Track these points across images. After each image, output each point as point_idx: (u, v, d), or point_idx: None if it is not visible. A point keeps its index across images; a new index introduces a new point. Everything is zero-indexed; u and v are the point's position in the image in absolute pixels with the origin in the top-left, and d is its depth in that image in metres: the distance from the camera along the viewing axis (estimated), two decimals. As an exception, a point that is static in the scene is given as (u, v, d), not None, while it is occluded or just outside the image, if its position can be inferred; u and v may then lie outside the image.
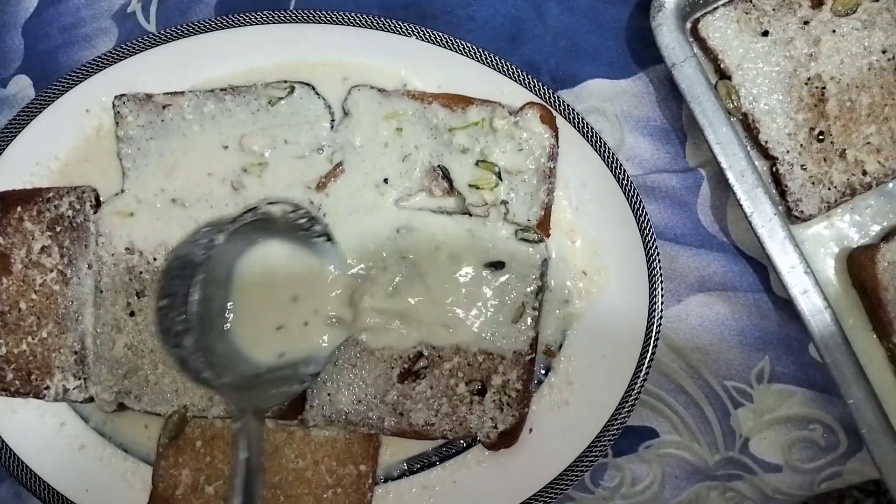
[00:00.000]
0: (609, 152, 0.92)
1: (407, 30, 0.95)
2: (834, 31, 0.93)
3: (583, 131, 0.93)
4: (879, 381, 0.91)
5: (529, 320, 0.91)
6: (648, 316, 0.90)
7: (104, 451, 0.97)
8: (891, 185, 0.94)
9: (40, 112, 0.98)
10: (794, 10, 0.93)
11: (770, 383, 0.96)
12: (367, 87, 0.95)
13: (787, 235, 0.89)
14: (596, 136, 0.92)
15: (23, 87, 1.06)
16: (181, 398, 0.93)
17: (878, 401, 0.88)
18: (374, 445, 0.93)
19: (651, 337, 0.90)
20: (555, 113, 0.92)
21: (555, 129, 0.92)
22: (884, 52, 0.92)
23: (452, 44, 0.94)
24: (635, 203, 0.91)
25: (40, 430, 0.96)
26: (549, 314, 0.94)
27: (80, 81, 0.98)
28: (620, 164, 0.91)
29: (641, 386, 0.90)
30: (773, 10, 0.94)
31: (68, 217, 0.96)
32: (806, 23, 0.93)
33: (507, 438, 0.92)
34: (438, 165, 0.94)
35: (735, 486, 0.97)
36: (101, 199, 0.97)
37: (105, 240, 0.95)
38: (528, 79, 0.93)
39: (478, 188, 0.93)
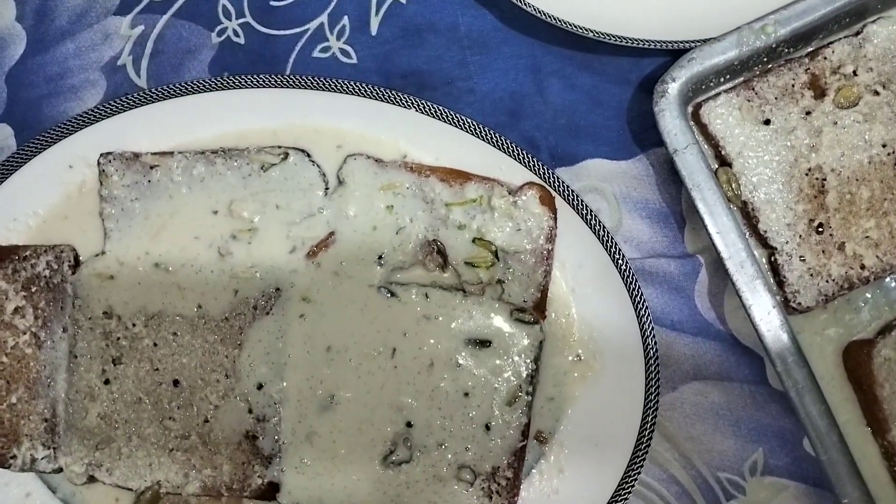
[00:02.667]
0: (607, 235, 0.95)
1: (406, 101, 0.97)
2: (835, 122, 0.97)
3: (581, 213, 0.95)
4: (873, 478, 0.93)
5: (522, 405, 0.92)
6: (644, 404, 0.93)
7: None
8: (888, 279, 0.97)
9: (21, 166, 0.99)
10: (797, 100, 0.97)
11: (763, 476, 0.98)
12: (363, 157, 0.98)
13: (784, 328, 0.92)
14: (594, 218, 0.95)
15: (3, 136, 1.06)
16: (155, 473, 0.94)
17: (872, 500, 0.90)
18: None
19: (647, 426, 0.92)
20: (553, 193, 0.95)
21: (554, 211, 0.95)
22: (884, 146, 0.96)
23: (452, 118, 0.97)
24: (633, 287, 0.94)
25: (4, 501, 0.95)
26: (542, 396, 0.95)
27: (65, 136, 0.99)
28: (618, 248, 0.94)
29: (636, 478, 0.92)
30: (776, 98, 0.97)
31: (45, 277, 0.96)
32: (808, 113, 0.97)
33: None
34: (434, 240, 0.96)
35: (726, 581, 0.98)
36: (81, 259, 0.98)
37: (82, 302, 0.96)
38: (527, 157, 0.96)
39: (474, 266, 0.95)
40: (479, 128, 0.97)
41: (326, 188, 0.97)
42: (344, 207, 0.97)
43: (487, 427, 0.93)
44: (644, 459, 0.92)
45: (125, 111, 0.99)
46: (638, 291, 0.93)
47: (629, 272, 0.94)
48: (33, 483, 0.97)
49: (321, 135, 1.00)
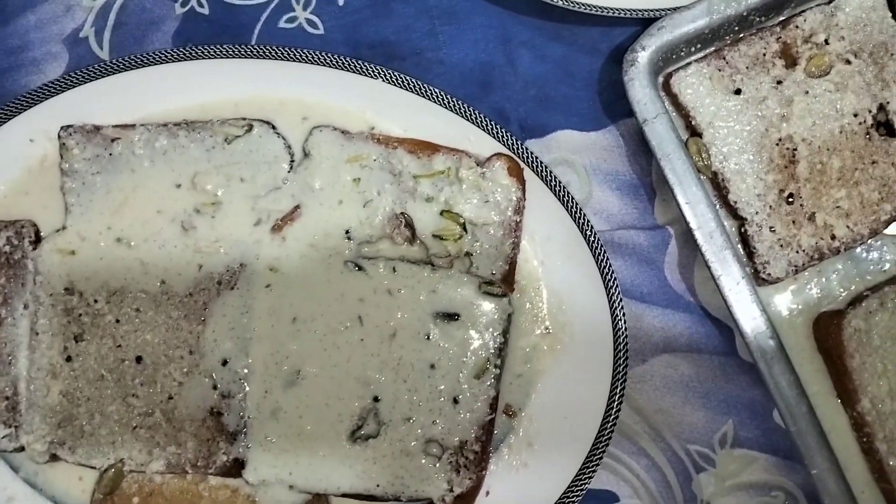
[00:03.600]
0: (576, 207, 0.95)
1: (373, 72, 0.97)
2: (807, 92, 0.97)
3: (550, 184, 0.95)
4: (842, 448, 0.94)
5: (490, 377, 0.93)
6: (612, 377, 0.93)
7: None
8: (859, 250, 0.98)
9: (-19, 140, 0.97)
10: (768, 70, 0.98)
11: (733, 448, 0.99)
12: (329, 129, 0.97)
13: (754, 299, 0.93)
14: (563, 190, 0.95)
15: None
16: (118, 451, 0.93)
17: (841, 471, 0.92)
18: None
19: (615, 399, 0.93)
20: (522, 165, 0.95)
21: (522, 182, 0.95)
22: (855, 115, 0.97)
23: (420, 89, 0.97)
24: (602, 260, 0.94)
25: None
26: (511, 371, 0.96)
27: (25, 109, 0.98)
28: (588, 220, 0.95)
29: (604, 450, 0.92)
30: (747, 68, 0.98)
31: (5, 253, 0.96)
32: (779, 83, 0.97)
33: (462, 502, 0.93)
34: (401, 213, 0.96)
35: (695, 553, 0.99)
36: (42, 234, 0.97)
37: (44, 279, 0.95)
38: (496, 128, 0.96)
39: (442, 239, 0.95)
40: (448, 99, 0.96)
41: (292, 161, 0.97)
42: (310, 180, 0.96)
43: (455, 400, 0.93)
44: (612, 432, 0.92)
45: (86, 83, 0.98)
46: (607, 263, 0.94)
47: (598, 244, 0.94)
48: None
49: (286, 106, 0.99)
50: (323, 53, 0.97)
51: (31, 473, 0.96)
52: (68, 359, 0.95)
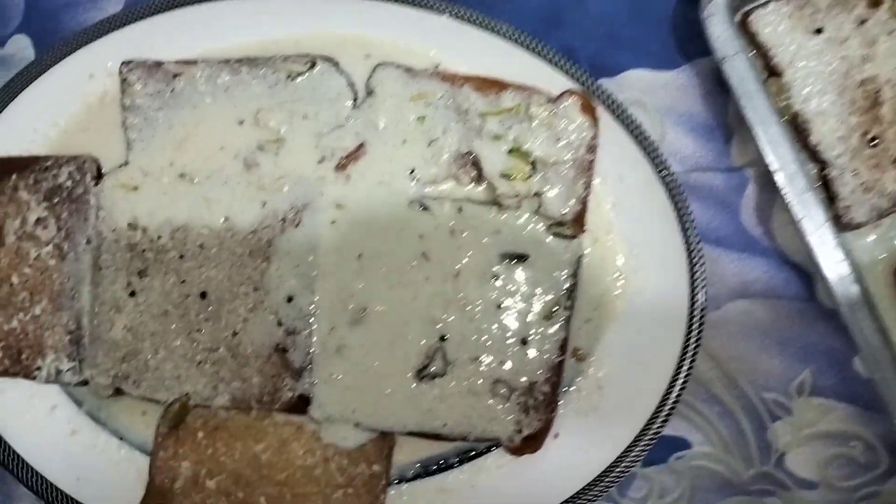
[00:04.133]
0: (652, 146, 0.93)
1: (438, 6, 0.95)
2: (891, 32, 0.94)
3: (624, 122, 0.94)
4: (925, 399, 0.92)
5: (560, 319, 0.92)
6: (688, 322, 0.92)
7: (97, 439, 0.96)
8: (944, 195, 0.95)
9: (40, 75, 0.97)
10: (850, 9, 0.95)
11: (810, 396, 0.98)
12: (392, 66, 0.96)
13: (837, 243, 0.90)
14: (638, 129, 0.93)
15: (22, 47, 1.05)
16: (183, 385, 0.93)
17: (923, 420, 0.89)
18: (388, 444, 0.93)
19: (690, 344, 0.91)
20: (595, 102, 0.93)
21: (595, 120, 0.93)
22: (942, 55, 0.94)
23: (487, 24, 0.95)
24: (678, 201, 0.92)
25: (29, 413, 0.96)
26: (580, 315, 0.94)
27: (85, 44, 0.97)
28: (664, 159, 0.93)
29: (678, 395, 0.91)
30: (828, 7, 0.95)
31: (67, 188, 0.96)
32: (862, 22, 0.95)
33: (531, 443, 0.92)
34: (468, 152, 0.94)
35: (768, 502, 0.98)
36: (103, 170, 0.97)
37: (106, 214, 0.95)
38: (568, 64, 0.94)
39: (510, 178, 0.93)
40: (515, 32, 0.94)
41: (355, 99, 0.96)
42: (373, 119, 0.95)
43: (524, 341, 0.92)
44: (688, 378, 0.91)
45: (147, 17, 0.97)
46: (684, 205, 0.92)
47: (675, 184, 0.92)
48: (58, 396, 0.97)
49: (349, 43, 0.98)
50: (387, -12, 0.95)
51: (95, 408, 0.97)
52: (132, 294, 0.94)
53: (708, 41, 0.92)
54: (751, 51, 0.95)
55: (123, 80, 0.96)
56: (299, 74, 0.96)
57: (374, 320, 0.92)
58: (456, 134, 0.94)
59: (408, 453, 0.95)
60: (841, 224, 0.94)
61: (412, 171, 0.94)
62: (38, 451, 0.94)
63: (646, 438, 0.91)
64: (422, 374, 0.92)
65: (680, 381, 0.91)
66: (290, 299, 0.93)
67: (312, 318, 0.93)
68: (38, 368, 0.94)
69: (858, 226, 0.94)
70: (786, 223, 0.96)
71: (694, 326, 0.92)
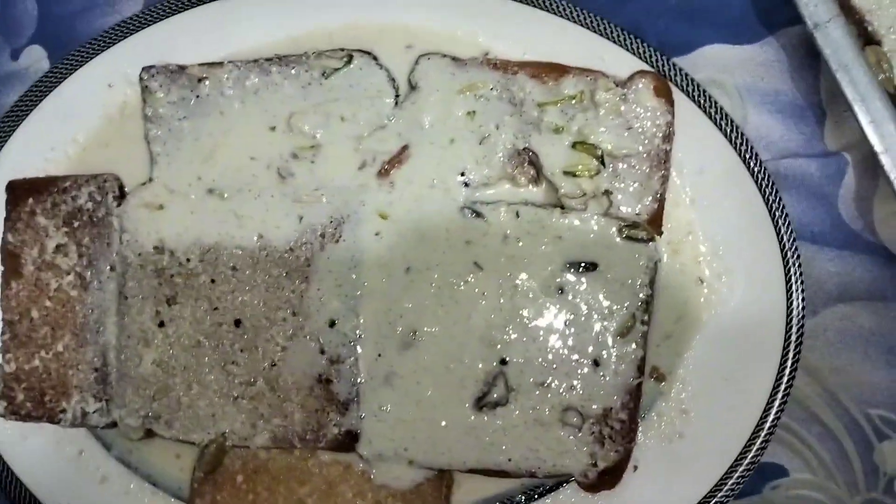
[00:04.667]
0: (736, 131, 0.85)
1: (487, -14, 0.89)
2: None
3: (703, 106, 0.86)
4: None
5: (637, 336, 0.84)
6: (785, 332, 0.84)
7: (129, 485, 0.92)
8: None
9: (56, 87, 0.94)
10: (960, -39, 0.84)
11: (923, 412, 0.90)
12: (437, 56, 0.90)
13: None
14: (720, 112, 0.86)
15: (36, 58, 1.02)
16: (219, 424, 0.88)
17: None
18: (446, 483, 0.88)
19: (788, 358, 0.84)
20: (669, 84, 0.85)
21: (671, 104, 0.86)
22: None
23: (541, 1, 0.88)
24: (768, 193, 0.85)
25: (55, 460, 0.92)
26: (659, 329, 0.87)
27: (102, 51, 0.94)
28: (751, 147, 0.85)
29: (777, 417, 0.83)
30: (933, -41, 0.84)
31: (88, 210, 0.91)
32: (972, -26, 0.84)
33: (608, 478, 0.86)
34: (524, 149, 0.87)
35: (880, 535, 0.90)
36: (126, 189, 0.92)
37: (130, 237, 0.90)
38: (637, 42, 0.87)
39: (574, 175, 0.86)
40: (575, 10, 0.87)
41: (397, 95, 0.90)
42: (418, 116, 0.89)
43: (596, 362, 0.84)
44: (787, 397, 0.83)
45: (166, 18, 0.93)
46: (775, 198, 0.84)
47: (764, 175, 0.84)
48: (86, 440, 0.93)
49: (387, 33, 0.92)
50: (425, -30, 0.89)
51: (125, 451, 0.93)
52: (161, 324, 0.89)
53: (796, 7, 0.84)
54: (845, 16, 0.85)
55: (144, 88, 0.92)
56: (335, 71, 0.90)
57: (426, 343, 0.86)
58: (511, 128, 0.88)
59: (468, 493, 0.90)
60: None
61: (462, 174, 0.88)
62: (66, 501, 0.90)
63: (740, 469, 0.84)
64: (481, 402, 0.85)
65: (778, 401, 0.84)
66: (332, 324, 0.87)
67: (357, 344, 0.86)
68: (63, 411, 0.89)
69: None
70: (891, 214, 0.89)
71: (792, 337, 0.84)
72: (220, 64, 0.91)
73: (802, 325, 0.84)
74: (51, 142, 0.94)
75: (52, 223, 0.91)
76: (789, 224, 0.84)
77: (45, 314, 0.90)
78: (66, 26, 1.01)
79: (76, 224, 0.91)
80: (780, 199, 0.84)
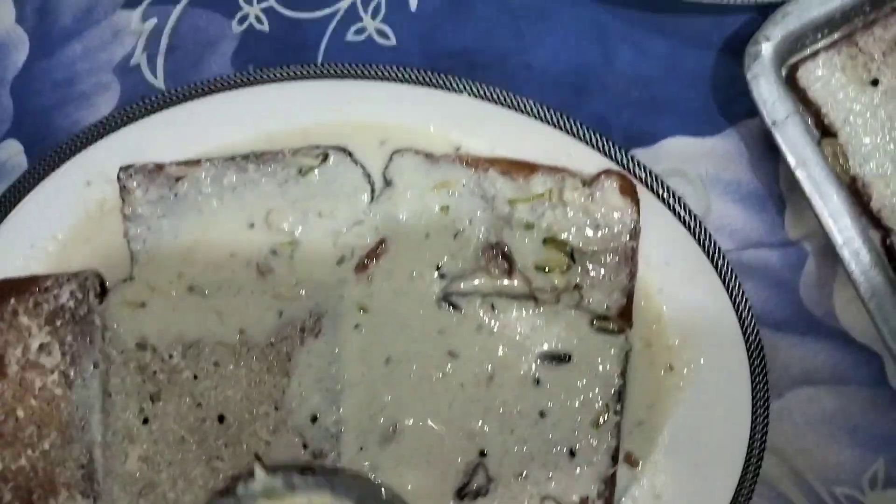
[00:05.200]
0: (698, 224, 0.88)
1: (455, 84, 0.90)
2: (954, 78, 0.87)
3: (665, 200, 0.89)
4: None
5: (611, 426, 0.87)
6: (752, 416, 0.86)
7: None
8: None
9: (34, 186, 0.94)
10: (908, 54, 0.88)
11: (885, 489, 0.92)
12: (411, 152, 0.91)
13: (908, 320, 0.84)
14: (682, 206, 0.88)
15: (12, 153, 1.01)
16: (206, 520, 0.89)
17: None
18: None
19: (756, 441, 0.86)
20: (635, 182, 0.88)
21: (637, 202, 0.88)
22: None
23: (509, 100, 0.90)
24: (731, 284, 0.87)
25: None
26: (631, 417, 0.89)
27: (80, 150, 0.94)
28: (713, 239, 0.88)
29: (748, 497, 0.86)
30: (884, 54, 0.89)
31: (70, 309, 0.92)
32: (921, 69, 0.88)
33: None
34: (497, 243, 0.89)
35: None
36: (108, 286, 0.93)
37: (113, 334, 0.91)
38: (600, 139, 0.89)
39: (546, 270, 0.88)
40: (542, 109, 0.89)
41: (373, 191, 0.91)
42: (394, 211, 0.90)
43: (572, 452, 0.87)
44: (756, 479, 0.86)
45: (143, 117, 0.93)
46: (738, 287, 0.87)
47: (726, 266, 0.87)
48: None
49: (362, 130, 0.93)
50: (398, 68, 0.91)
51: None
52: (145, 420, 0.90)
53: (755, 104, 0.87)
54: (801, 108, 0.89)
55: (123, 188, 0.92)
56: (311, 169, 0.92)
57: (407, 436, 0.88)
58: (483, 223, 0.90)
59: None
60: (910, 296, 0.87)
61: (439, 267, 0.90)
62: None
63: (714, 553, 0.86)
64: (462, 493, 0.87)
65: (748, 483, 0.86)
66: (314, 419, 0.88)
67: (340, 438, 0.88)
68: (51, 511, 0.90)
69: (931, 298, 0.87)
70: (850, 300, 0.91)
71: (758, 420, 0.87)
72: (198, 162, 0.92)
73: (768, 409, 0.86)
74: (31, 239, 0.94)
75: (35, 323, 0.91)
76: (751, 312, 0.86)
77: (30, 413, 0.90)
78: (43, 120, 1.01)
79: (59, 323, 0.91)
80: (742, 288, 0.86)
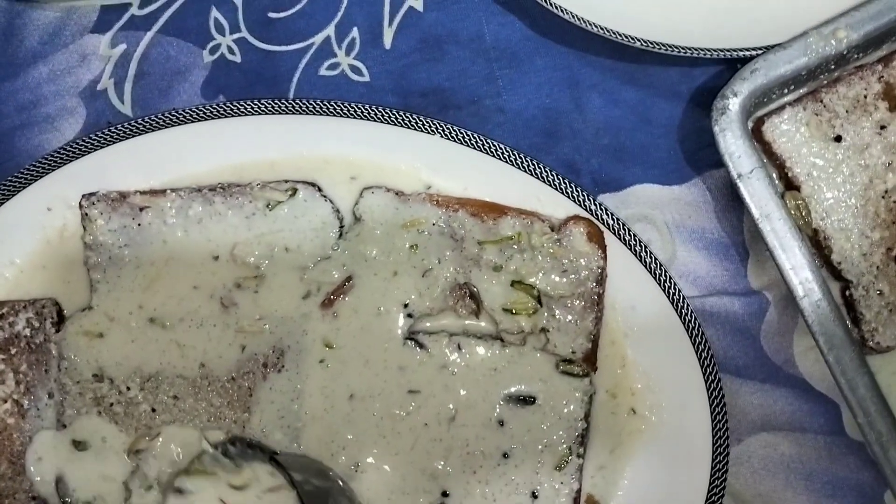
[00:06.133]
0: (662, 271, 0.90)
1: (427, 125, 0.92)
2: (913, 136, 0.91)
3: (632, 247, 0.91)
4: (965, 535, 0.89)
5: (573, 469, 0.88)
6: (712, 461, 0.89)
7: None
8: (977, 313, 0.92)
9: (-7, 210, 0.93)
10: (870, 113, 0.92)
11: (840, 535, 0.95)
12: (381, 190, 0.93)
13: (864, 372, 0.87)
14: (647, 253, 0.91)
15: None
16: (162, 555, 0.88)
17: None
18: None
19: (717, 486, 0.89)
20: (602, 228, 0.90)
21: (604, 248, 0.90)
22: (970, 162, 0.91)
23: (480, 142, 0.92)
24: (694, 331, 0.90)
25: None
26: (594, 460, 0.91)
27: (42, 175, 0.94)
28: (677, 286, 0.90)
29: None
30: (847, 112, 0.92)
31: (25, 336, 0.92)
32: (882, 128, 0.92)
33: None
34: (465, 283, 0.91)
35: None
36: (65, 314, 0.93)
37: (69, 364, 0.91)
38: (569, 185, 0.92)
39: (513, 313, 0.90)
40: (512, 153, 0.92)
41: (341, 226, 0.93)
42: (362, 249, 0.92)
43: (534, 495, 0.89)
44: (715, 527, 0.88)
45: (109, 145, 0.94)
46: (700, 335, 0.89)
47: (689, 313, 0.90)
48: None
49: (332, 165, 0.95)
50: (371, 107, 0.93)
51: None
52: (100, 454, 0.90)
53: (721, 157, 0.89)
54: (766, 161, 0.92)
55: (84, 216, 0.92)
56: (279, 203, 0.92)
57: (368, 476, 0.89)
58: (452, 263, 0.91)
59: None
60: (866, 347, 0.90)
61: (406, 305, 0.91)
62: None
63: None
64: None
65: None
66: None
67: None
68: (-1, 546, 0.89)
69: (886, 349, 0.90)
70: (808, 349, 0.94)
71: (718, 465, 0.89)
72: (163, 192, 0.92)
73: (728, 454, 0.89)
74: None
75: None
76: (713, 359, 0.89)
77: None
78: (5, 142, 1.00)
79: (13, 350, 0.91)
80: (704, 335, 0.89)
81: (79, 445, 0.90)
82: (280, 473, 0.88)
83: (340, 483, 0.88)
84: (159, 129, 0.94)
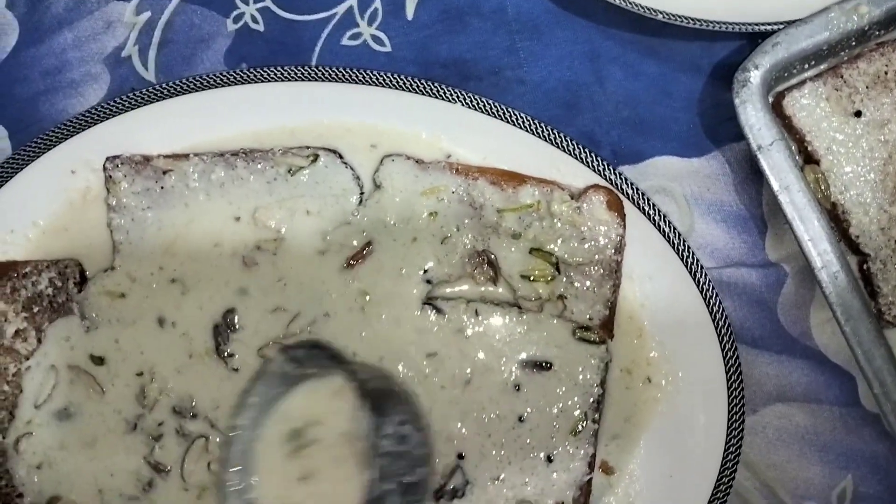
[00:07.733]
0: (682, 242, 0.93)
1: (448, 94, 0.95)
2: (934, 113, 0.94)
3: (651, 217, 0.94)
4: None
5: (588, 434, 0.91)
6: (727, 431, 0.91)
7: None
8: None
9: (18, 171, 0.96)
10: (890, 89, 0.95)
11: (853, 505, 0.97)
12: (401, 157, 0.96)
13: (881, 344, 0.90)
14: (667, 223, 0.94)
15: None
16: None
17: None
18: None
19: (731, 456, 0.91)
20: (622, 197, 0.93)
21: (623, 217, 0.93)
22: None
23: (501, 112, 0.95)
24: (712, 301, 0.92)
25: None
26: (609, 427, 0.94)
27: (66, 138, 0.96)
28: (695, 257, 0.93)
29: None
30: (867, 87, 0.95)
31: (48, 296, 0.95)
32: (903, 103, 0.95)
33: None
34: (483, 250, 0.94)
35: None
36: (87, 275, 0.96)
37: (90, 323, 0.94)
38: (590, 155, 0.94)
39: (531, 280, 0.93)
40: (533, 122, 0.95)
41: (361, 193, 0.96)
42: (382, 215, 0.95)
43: (549, 459, 0.91)
44: (728, 491, 0.91)
45: (132, 109, 0.97)
46: (718, 305, 0.92)
47: (707, 284, 0.92)
48: None
49: (353, 133, 0.97)
50: (392, 75, 0.96)
51: None
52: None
53: (741, 129, 0.92)
54: (786, 135, 0.95)
55: (108, 178, 0.95)
56: (300, 168, 0.95)
57: (391, 435, 0.92)
58: (471, 231, 0.94)
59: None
60: (883, 320, 0.93)
61: (425, 271, 0.94)
62: None
63: (684, 559, 0.90)
64: (439, 494, 0.91)
65: (721, 495, 0.91)
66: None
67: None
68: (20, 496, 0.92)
69: (903, 323, 0.93)
70: (825, 321, 0.97)
71: (733, 436, 0.91)
72: (186, 156, 0.95)
73: (743, 423, 0.91)
74: (11, 224, 0.96)
75: (12, 308, 0.93)
76: (730, 329, 0.92)
77: (2, 398, 0.93)
78: (28, 107, 1.03)
79: (36, 309, 0.94)
80: (722, 305, 0.92)
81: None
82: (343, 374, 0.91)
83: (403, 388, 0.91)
84: (183, 94, 0.96)
